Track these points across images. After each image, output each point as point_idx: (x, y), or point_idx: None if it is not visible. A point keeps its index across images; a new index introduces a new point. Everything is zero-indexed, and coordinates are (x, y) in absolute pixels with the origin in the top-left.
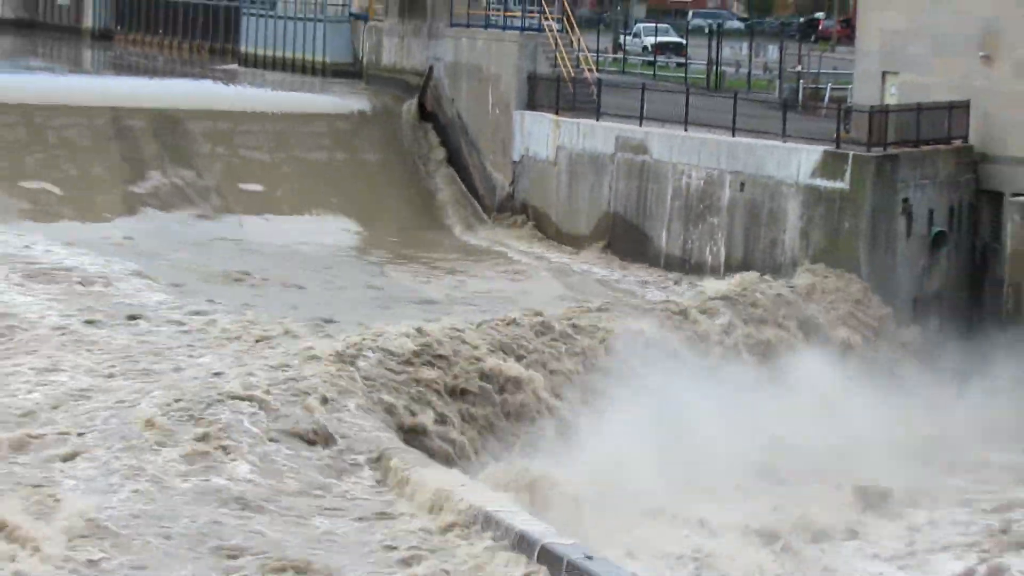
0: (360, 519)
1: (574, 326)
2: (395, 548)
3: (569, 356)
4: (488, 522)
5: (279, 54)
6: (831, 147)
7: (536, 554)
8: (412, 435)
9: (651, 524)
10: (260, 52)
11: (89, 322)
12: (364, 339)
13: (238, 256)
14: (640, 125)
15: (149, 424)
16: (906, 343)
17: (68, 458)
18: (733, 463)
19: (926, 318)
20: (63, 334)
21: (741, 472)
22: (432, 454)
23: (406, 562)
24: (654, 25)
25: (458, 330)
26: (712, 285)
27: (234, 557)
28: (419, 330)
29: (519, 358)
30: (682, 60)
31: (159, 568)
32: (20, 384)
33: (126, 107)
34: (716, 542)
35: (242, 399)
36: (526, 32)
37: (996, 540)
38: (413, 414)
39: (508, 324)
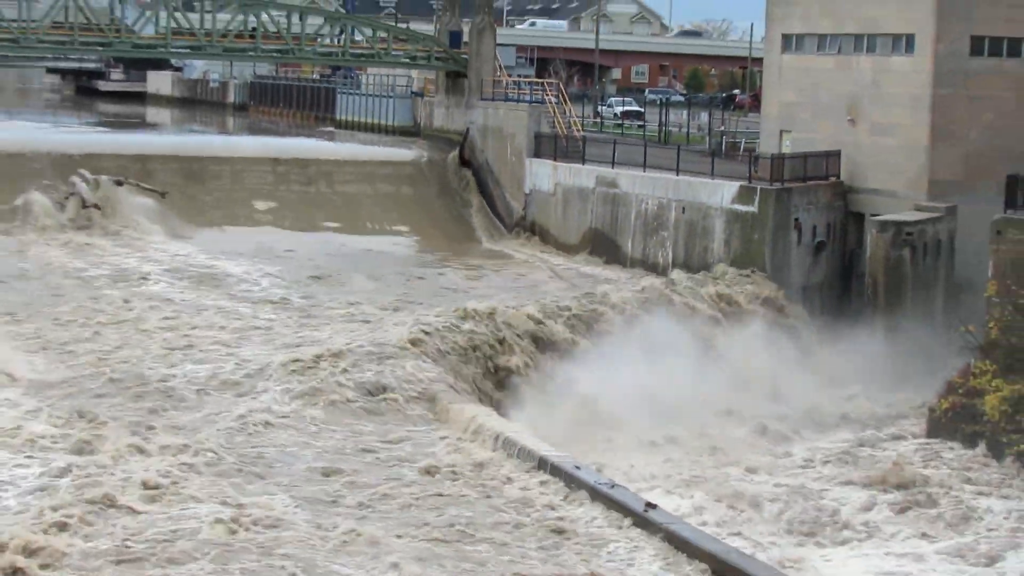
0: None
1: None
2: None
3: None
4: (507, 443)
5: (362, 120)
6: (745, 182)
7: (536, 463)
8: (500, 373)
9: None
10: (349, 118)
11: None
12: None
13: (332, 260)
14: (612, 167)
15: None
16: (797, 316)
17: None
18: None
19: (811, 300)
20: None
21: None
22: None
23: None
24: (622, 99)
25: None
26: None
27: None
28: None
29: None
30: (641, 123)
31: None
32: None
33: (252, 157)
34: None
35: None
36: (533, 104)
37: None
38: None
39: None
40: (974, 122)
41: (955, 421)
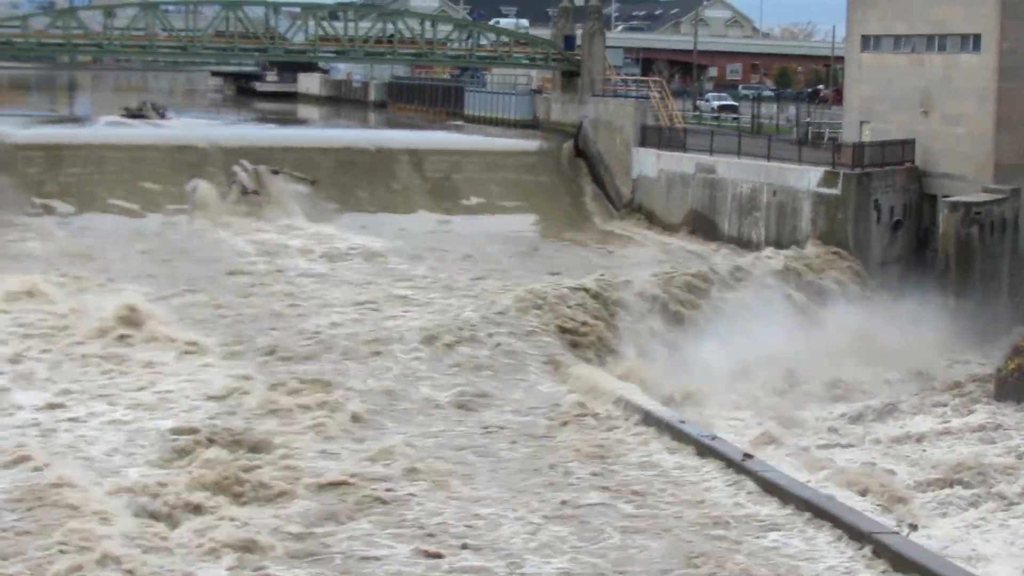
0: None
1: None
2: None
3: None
4: (619, 401)
5: (488, 114)
6: (829, 168)
7: (648, 418)
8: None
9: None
10: (476, 113)
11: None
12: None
13: (463, 239)
14: (710, 155)
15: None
16: (877, 288)
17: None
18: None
19: (890, 274)
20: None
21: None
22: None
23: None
24: (718, 94)
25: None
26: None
27: None
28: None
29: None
30: (735, 115)
31: None
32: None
33: (391, 148)
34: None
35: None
36: (639, 99)
37: None
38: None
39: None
40: None
41: (1021, 381)
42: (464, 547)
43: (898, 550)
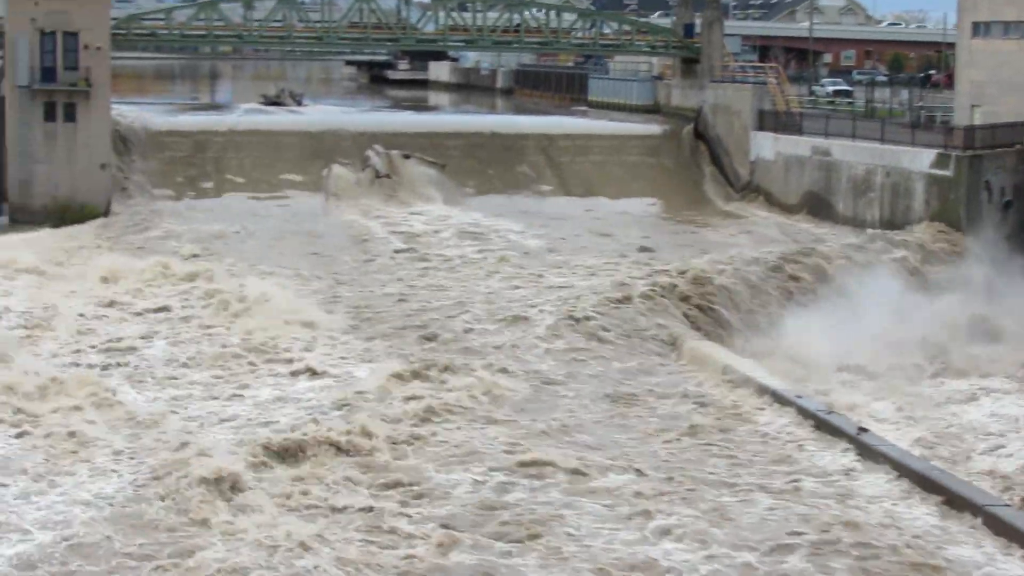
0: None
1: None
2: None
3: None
4: (738, 376)
5: (610, 100)
6: (942, 150)
7: (769, 394)
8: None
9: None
10: (599, 99)
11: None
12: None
13: (589, 221)
14: (826, 138)
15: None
16: (988, 265)
17: None
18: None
19: (1000, 251)
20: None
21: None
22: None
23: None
24: (833, 79)
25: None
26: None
27: None
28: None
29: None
30: (849, 100)
31: None
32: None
33: (518, 133)
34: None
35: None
36: (756, 84)
37: None
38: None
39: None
40: None
41: None
42: None
43: (1011, 522)
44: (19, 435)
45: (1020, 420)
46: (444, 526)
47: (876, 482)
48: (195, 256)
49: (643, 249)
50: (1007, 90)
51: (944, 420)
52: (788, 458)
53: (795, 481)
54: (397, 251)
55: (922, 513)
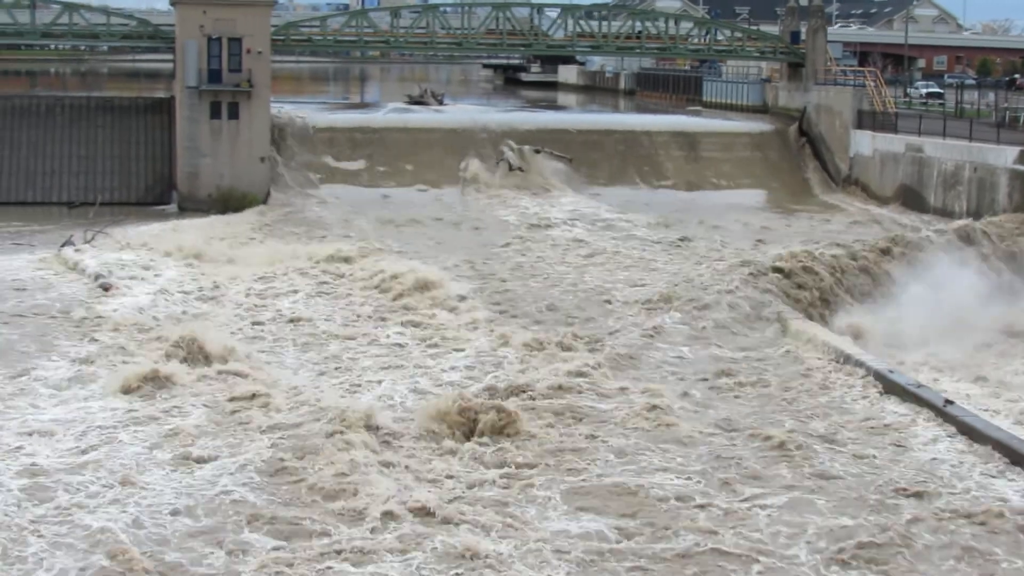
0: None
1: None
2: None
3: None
4: (835, 351)
5: (723, 101)
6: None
7: (854, 363)
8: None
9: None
10: (713, 100)
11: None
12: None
13: (698, 211)
14: (919, 137)
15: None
16: None
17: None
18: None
19: None
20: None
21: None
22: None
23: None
24: (926, 83)
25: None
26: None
27: None
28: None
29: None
30: (941, 101)
31: None
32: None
33: (640, 130)
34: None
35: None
36: (856, 87)
37: None
38: (819, 293)
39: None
40: None
41: None
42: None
43: None
44: (165, 414)
45: None
46: None
47: (969, 449)
48: (347, 237)
49: (757, 238)
50: None
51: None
52: (881, 426)
53: (878, 448)
54: (525, 235)
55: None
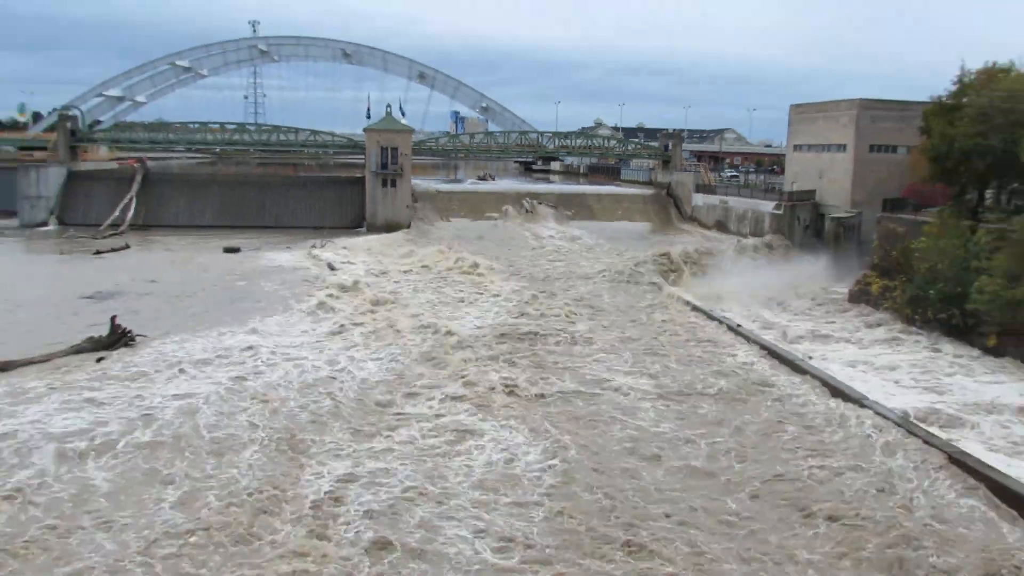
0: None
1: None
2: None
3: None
4: (682, 300)
5: (631, 179)
6: (777, 201)
7: (709, 316)
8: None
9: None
10: (626, 179)
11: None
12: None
13: (617, 232)
14: (725, 196)
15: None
16: (797, 252)
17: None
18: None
19: (804, 248)
20: None
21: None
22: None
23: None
24: (730, 170)
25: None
26: None
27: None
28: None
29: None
30: (736, 178)
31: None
32: None
33: (585, 193)
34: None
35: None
36: (695, 171)
37: None
38: (675, 272)
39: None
40: (872, 177)
41: (859, 295)
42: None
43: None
44: (355, 325)
45: (784, 324)
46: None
47: (748, 350)
48: (449, 246)
49: (641, 246)
50: (806, 177)
51: (785, 324)
52: (710, 344)
53: (705, 351)
54: (534, 244)
55: (757, 358)
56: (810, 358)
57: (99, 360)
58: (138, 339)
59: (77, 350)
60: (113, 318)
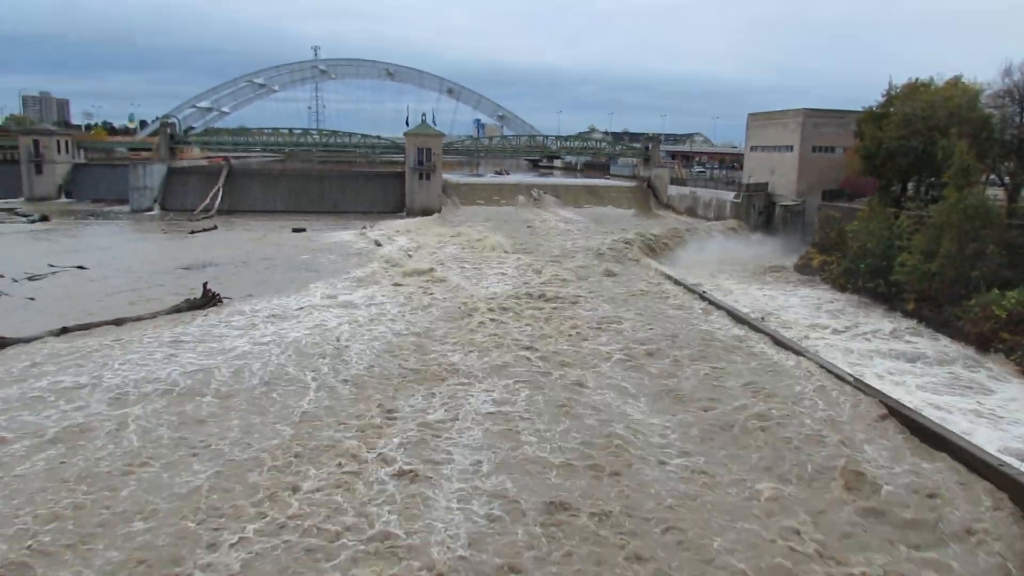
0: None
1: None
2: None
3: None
4: (659, 272)
5: (618, 174)
6: (736, 191)
7: (678, 284)
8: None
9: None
10: (614, 174)
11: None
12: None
13: (605, 217)
14: (695, 187)
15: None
16: (752, 234)
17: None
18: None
19: (758, 229)
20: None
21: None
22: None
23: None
24: (699, 167)
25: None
26: None
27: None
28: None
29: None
30: (704, 173)
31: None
32: None
33: (579, 185)
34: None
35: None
36: (670, 167)
37: None
38: (653, 248)
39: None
40: (814, 172)
41: (804, 268)
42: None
43: (770, 333)
44: (397, 286)
45: (752, 292)
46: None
47: (706, 308)
48: (469, 226)
49: (623, 227)
50: (760, 172)
51: (745, 293)
52: (680, 310)
53: (675, 308)
54: (536, 226)
55: (726, 324)
56: (763, 319)
57: (199, 316)
58: (225, 301)
59: (176, 309)
60: (205, 284)
